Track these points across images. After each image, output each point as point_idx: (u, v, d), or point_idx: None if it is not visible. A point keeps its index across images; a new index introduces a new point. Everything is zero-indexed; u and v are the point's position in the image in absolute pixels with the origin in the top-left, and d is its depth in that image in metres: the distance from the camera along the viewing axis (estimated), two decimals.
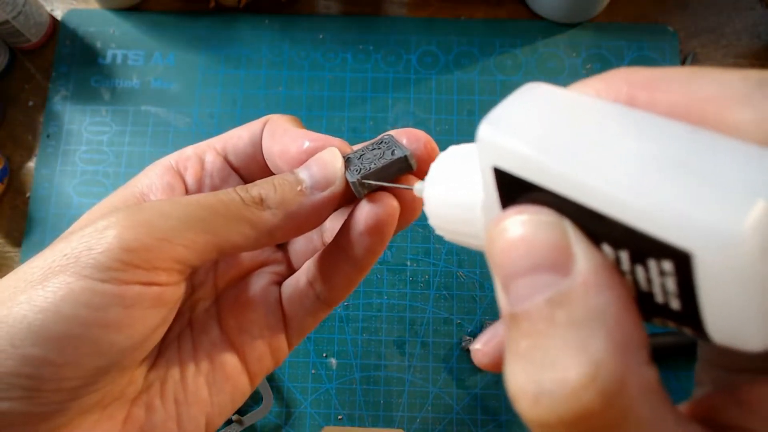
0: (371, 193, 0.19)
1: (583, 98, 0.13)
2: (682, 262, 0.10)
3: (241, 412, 0.43)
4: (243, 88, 0.52)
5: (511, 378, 0.11)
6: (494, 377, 0.45)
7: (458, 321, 0.47)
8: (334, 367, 0.46)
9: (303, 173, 0.19)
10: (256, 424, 0.44)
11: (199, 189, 0.21)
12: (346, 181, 0.19)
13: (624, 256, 0.11)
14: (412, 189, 0.19)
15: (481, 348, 0.16)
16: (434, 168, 0.17)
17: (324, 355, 0.46)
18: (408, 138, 0.20)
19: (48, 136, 0.51)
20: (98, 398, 0.17)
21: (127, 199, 0.20)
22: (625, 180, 0.10)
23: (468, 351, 0.45)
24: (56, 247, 0.17)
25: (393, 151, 0.19)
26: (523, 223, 0.11)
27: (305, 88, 0.52)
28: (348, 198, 0.21)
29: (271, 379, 0.45)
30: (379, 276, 0.48)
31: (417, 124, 0.51)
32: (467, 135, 0.51)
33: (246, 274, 0.23)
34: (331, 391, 0.45)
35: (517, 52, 0.53)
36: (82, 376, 0.16)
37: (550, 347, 0.10)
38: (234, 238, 0.18)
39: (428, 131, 0.53)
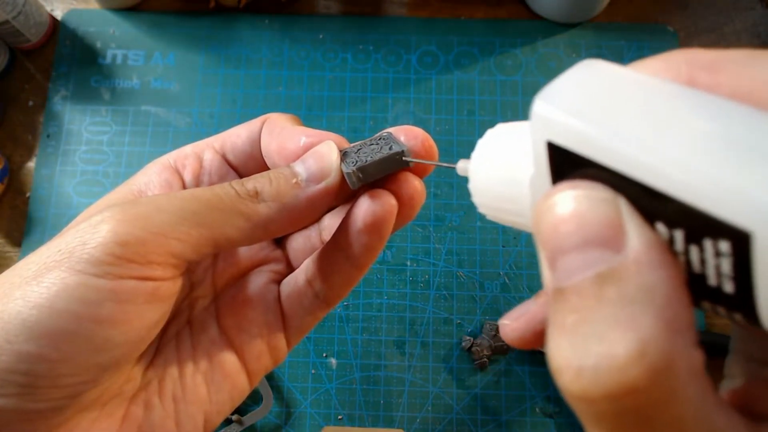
0: (369, 190, 0.19)
1: (641, 76, 0.12)
2: (741, 242, 0.09)
3: (241, 412, 0.43)
4: (243, 88, 0.52)
5: (556, 352, 0.10)
6: (494, 377, 0.45)
7: (458, 321, 0.47)
8: (334, 367, 0.46)
9: (298, 166, 0.19)
10: (256, 424, 0.44)
11: (197, 186, 0.21)
12: (343, 176, 0.19)
13: (678, 235, 0.10)
14: (455, 167, 0.18)
15: (510, 323, 0.16)
16: (481, 145, 0.17)
17: (324, 355, 0.46)
18: (406, 135, 0.20)
19: (48, 136, 0.51)
20: (96, 395, 0.17)
21: (125, 196, 0.20)
22: (684, 157, 0.10)
23: (468, 351, 0.45)
24: (52, 243, 0.16)
25: (391, 146, 0.19)
26: (575, 198, 0.11)
27: (305, 88, 0.52)
28: (346, 195, 0.21)
29: (271, 379, 0.45)
30: (379, 276, 0.48)
31: (417, 124, 0.51)
32: (467, 135, 0.51)
33: (245, 273, 0.23)
34: (331, 391, 0.45)
35: (517, 52, 0.53)
36: (78, 372, 0.16)
37: (599, 322, 0.10)
38: (229, 231, 0.18)
39: (428, 131, 0.53)
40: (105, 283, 0.16)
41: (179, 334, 0.21)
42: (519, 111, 0.51)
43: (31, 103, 0.52)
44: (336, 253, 0.21)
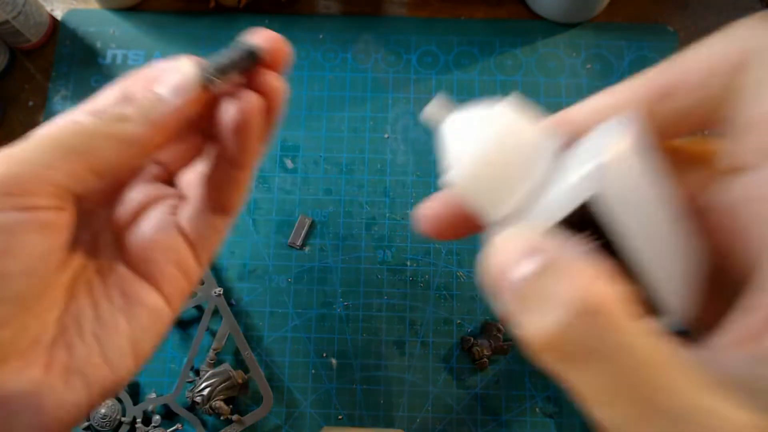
0: (231, 93, 0.21)
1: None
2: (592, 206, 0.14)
3: (241, 412, 0.43)
4: None
5: (522, 328, 0.14)
6: (494, 377, 0.45)
7: (458, 321, 0.47)
8: (334, 367, 0.46)
9: (158, 86, 0.20)
10: (256, 424, 0.44)
11: None
12: (204, 85, 0.20)
13: (582, 235, 0.15)
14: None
15: (426, 210, 0.20)
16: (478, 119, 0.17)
17: (324, 355, 0.46)
18: (254, 36, 0.22)
19: None
20: (9, 340, 0.18)
21: None
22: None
23: (468, 351, 0.45)
24: None
25: (242, 48, 0.21)
26: (506, 241, 0.15)
27: (305, 88, 0.52)
28: (216, 108, 0.22)
29: (271, 379, 0.45)
30: (379, 276, 0.48)
31: (417, 124, 0.51)
32: None
33: (142, 212, 0.24)
34: (331, 391, 0.45)
35: (517, 52, 0.53)
36: None
37: (544, 297, 0.13)
38: (104, 154, 0.19)
39: (428, 131, 0.53)
40: None
41: (89, 281, 0.22)
42: None
43: (31, 103, 0.52)
44: (218, 161, 0.22)
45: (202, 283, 0.45)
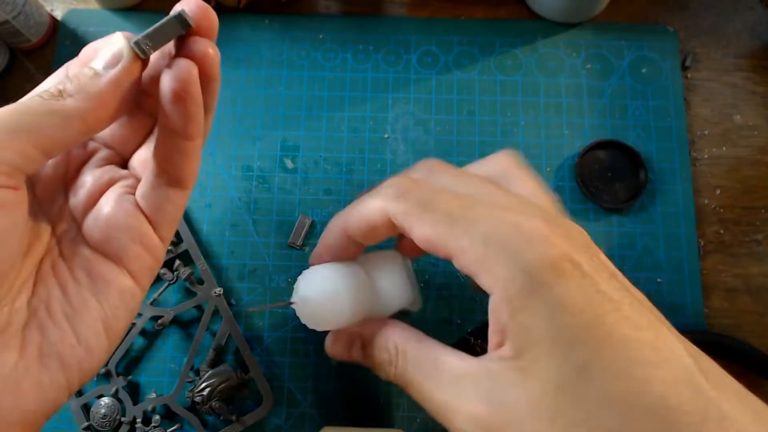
0: (167, 65, 0.21)
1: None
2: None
3: (241, 412, 0.43)
4: (243, 88, 0.52)
5: (380, 374, 0.27)
6: None
7: (458, 321, 0.47)
8: (335, 367, 0.46)
9: (94, 62, 0.21)
10: (256, 424, 0.44)
11: None
12: (137, 56, 0.21)
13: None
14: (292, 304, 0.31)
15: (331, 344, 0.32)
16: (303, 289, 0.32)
17: (324, 355, 0.46)
18: (181, 3, 0.22)
19: None
20: None
21: None
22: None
23: (468, 351, 0.45)
24: None
25: (175, 17, 0.21)
26: (330, 345, 0.32)
27: (305, 88, 0.52)
28: (154, 89, 0.23)
29: (271, 379, 0.45)
30: None
31: (417, 124, 0.51)
32: (467, 135, 0.51)
33: (98, 197, 0.24)
34: (331, 391, 0.45)
35: (517, 52, 0.53)
36: None
37: (375, 361, 0.28)
38: (49, 132, 0.19)
39: (428, 131, 0.53)
40: None
41: (54, 265, 0.23)
42: (519, 111, 0.51)
43: None
44: (164, 135, 0.23)
45: (202, 283, 0.45)
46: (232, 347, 0.45)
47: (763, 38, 0.54)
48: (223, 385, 0.42)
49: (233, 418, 0.42)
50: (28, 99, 0.20)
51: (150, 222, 0.24)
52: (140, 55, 0.21)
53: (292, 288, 0.31)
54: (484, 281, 0.22)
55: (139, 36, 0.21)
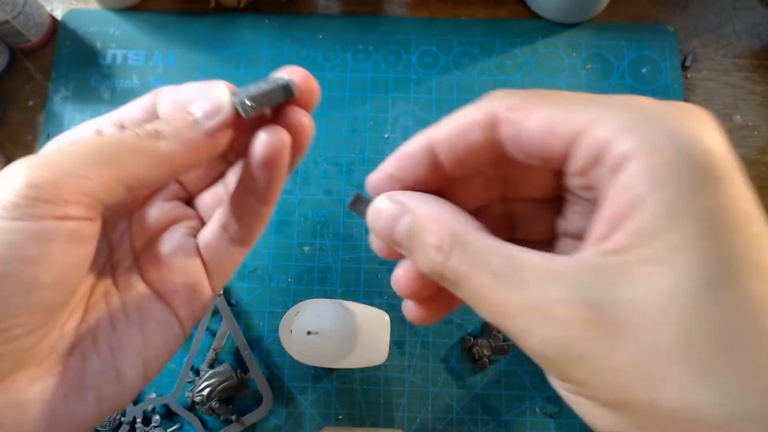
0: (263, 128, 0.21)
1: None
2: None
3: (241, 412, 0.43)
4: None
5: (422, 267, 0.19)
6: (494, 377, 0.45)
7: (458, 321, 0.47)
8: (335, 367, 0.46)
9: (194, 107, 0.21)
10: (256, 424, 0.44)
11: None
12: (237, 112, 0.21)
13: None
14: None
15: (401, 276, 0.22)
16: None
17: None
18: (288, 72, 0.22)
19: (48, 136, 0.51)
20: (31, 346, 0.18)
21: None
22: None
23: (468, 351, 0.45)
24: None
25: (277, 83, 0.21)
26: (378, 206, 0.20)
27: None
28: (243, 142, 0.23)
29: (271, 379, 0.45)
30: (379, 276, 0.48)
31: (417, 124, 0.51)
32: None
33: (160, 232, 0.24)
34: (331, 391, 0.45)
35: (517, 52, 0.53)
36: (11, 314, 0.17)
37: (422, 245, 0.18)
38: (134, 169, 0.19)
39: None
40: (25, 224, 0.17)
41: (107, 293, 0.22)
42: None
43: (31, 103, 0.52)
44: (242, 193, 0.23)
45: None
46: (232, 347, 0.45)
47: (763, 38, 0.54)
48: (222, 385, 0.42)
49: (233, 418, 0.42)
50: (122, 132, 0.20)
51: (206, 270, 0.24)
52: (241, 113, 0.21)
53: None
54: (622, 148, 0.15)
55: (241, 91, 0.21)
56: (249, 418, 0.43)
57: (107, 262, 0.23)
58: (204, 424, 0.43)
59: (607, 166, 0.16)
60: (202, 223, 0.25)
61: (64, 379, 0.19)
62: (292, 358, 0.43)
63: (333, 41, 0.53)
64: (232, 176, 0.25)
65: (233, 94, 0.21)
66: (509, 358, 0.46)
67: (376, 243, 0.22)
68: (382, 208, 0.20)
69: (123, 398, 0.21)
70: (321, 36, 0.53)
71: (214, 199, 0.25)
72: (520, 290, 0.16)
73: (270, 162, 0.21)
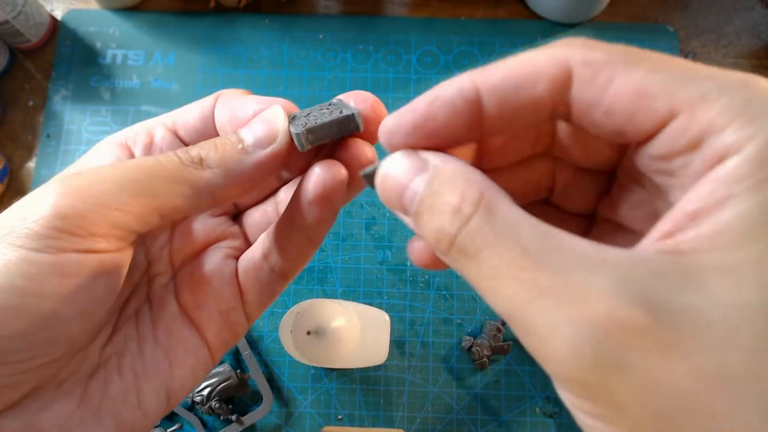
0: (319, 161, 0.19)
1: None
2: None
3: (241, 412, 0.43)
4: (243, 87, 0.52)
5: (427, 230, 0.15)
6: (494, 377, 0.45)
7: (458, 321, 0.47)
8: (335, 367, 0.46)
9: (245, 132, 0.19)
10: (256, 424, 0.44)
11: None
12: (292, 140, 0.19)
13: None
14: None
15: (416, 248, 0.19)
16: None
17: None
18: (355, 99, 0.20)
19: (48, 136, 0.51)
20: (51, 373, 0.17)
21: None
22: None
23: (468, 351, 0.45)
24: None
25: (341, 111, 0.19)
26: (392, 163, 0.16)
27: (305, 88, 0.52)
28: (299, 165, 0.21)
29: (271, 379, 0.45)
30: (379, 276, 0.48)
31: None
32: None
33: (202, 249, 0.23)
34: (331, 391, 0.45)
35: (517, 52, 0.53)
36: (28, 348, 0.16)
37: (438, 204, 0.15)
38: (173, 200, 0.17)
39: None
40: (46, 257, 0.15)
41: (139, 311, 0.21)
42: None
43: (31, 103, 0.52)
44: (289, 226, 0.21)
45: None
46: (232, 347, 0.45)
47: (763, 38, 0.54)
48: (222, 385, 0.42)
49: (233, 418, 0.42)
50: (164, 156, 0.18)
51: (242, 297, 0.22)
52: (297, 147, 0.19)
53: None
54: (730, 139, 0.12)
55: (301, 115, 0.19)
56: (249, 418, 0.43)
57: (144, 276, 0.21)
58: (204, 424, 0.43)
59: (704, 156, 0.13)
60: (246, 242, 0.23)
61: (84, 402, 0.18)
62: (292, 358, 0.43)
63: (333, 41, 0.53)
64: (284, 193, 0.23)
65: (291, 118, 0.19)
66: (509, 358, 0.46)
67: (416, 249, 0.18)
68: (397, 163, 0.16)
69: (143, 426, 0.19)
70: (321, 36, 0.53)
71: (263, 218, 0.24)
72: (554, 273, 0.13)
73: (322, 200, 0.19)
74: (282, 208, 0.23)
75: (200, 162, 0.18)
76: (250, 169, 0.18)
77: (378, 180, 0.17)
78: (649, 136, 0.14)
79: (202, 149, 0.18)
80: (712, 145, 0.13)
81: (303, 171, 0.22)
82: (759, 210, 0.12)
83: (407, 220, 0.16)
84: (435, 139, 0.16)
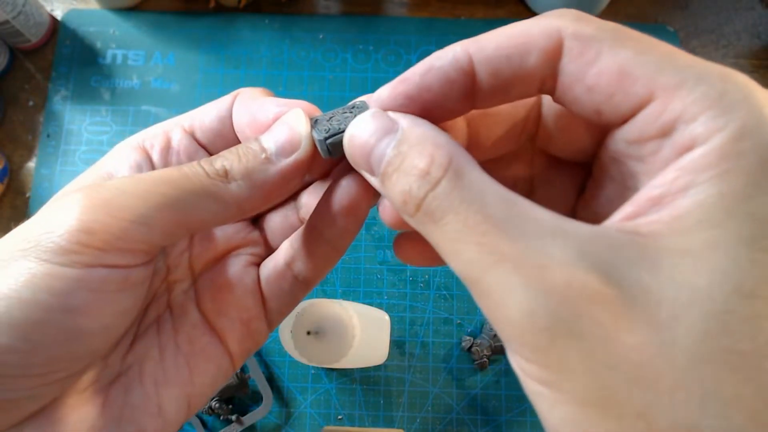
0: (346, 172, 0.19)
1: None
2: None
3: (241, 412, 0.43)
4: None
5: (394, 192, 0.15)
6: (494, 377, 0.45)
7: (458, 321, 0.47)
8: (335, 367, 0.46)
9: (267, 140, 0.18)
10: (256, 424, 0.44)
11: (165, 166, 0.21)
12: (315, 145, 0.18)
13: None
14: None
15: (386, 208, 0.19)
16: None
17: None
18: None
19: (48, 136, 0.51)
20: (73, 382, 0.17)
21: (94, 181, 0.20)
22: None
23: (468, 351, 0.45)
24: (19, 230, 0.16)
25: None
26: (360, 123, 0.16)
27: (305, 88, 0.52)
28: (321, 169, 0.21)
29: (271, 379, 0.45)
30: (379, 276, 0.48)
31: None
32: None
33: (222, 256, 0.22)
34: (331, 391, 0.45)
35: None
36: (51, 362, 0.16)
37: (406, 167, 0.15)
38: (200, 214, 0.17)
39: None
40: (73, 272, 0.15)
41: (159, 318, 0.21)
42: None
43: (31, 103, 0.52)
44: (314, 234, 0.20)
45: None
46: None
47: (763, 38, 0.54)
48: (223, 385, 0.42)
49: (233, 418, 0.42)
50: (189, 168, 0.17)
51: (264, 305, 0.22)
52: (321, 154, 0.18)
53: None
54: (700, 129, 0.13)
55: (323, 120, 0.18)
56: (249, 418, 0.43)
57: (163, 282, 0.21)
58: (204, 424, 0.43)
59: (673, 143, 0.13)
60: (267, 247, 0.23)
61: (105, 410, 0.18)
62: (292, 358, 0.43)
63: (333, 41, 0.53)
64: (306, 197, 0.23)
65: (314, 122, 0.18)
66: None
67: (387, 208, 0.19)
68: (366, 123, 0.16)
69: None
70: (321, 36, 0.53)
71: (284, 222, 0.23)
72: (515, 240, 0.13)
73: (349, 212, 0.19)
74: (303, 211, 0.23)
75: (225, 175, 0.18)
76: (275, 179, 0.18)
77: (346, 139, 0.17)
78: (625, 119, 0.14)
79: (226, 160, 0.18)
80: (682, 133, 0.13)
81: (325, 173, 0.22)
82: (719, 199, 0.12)
83: (373, 181, 0.16)
84: (428, 111, 0.17)
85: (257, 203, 0.18)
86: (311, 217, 0.20)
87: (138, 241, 0.16)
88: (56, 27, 0.54)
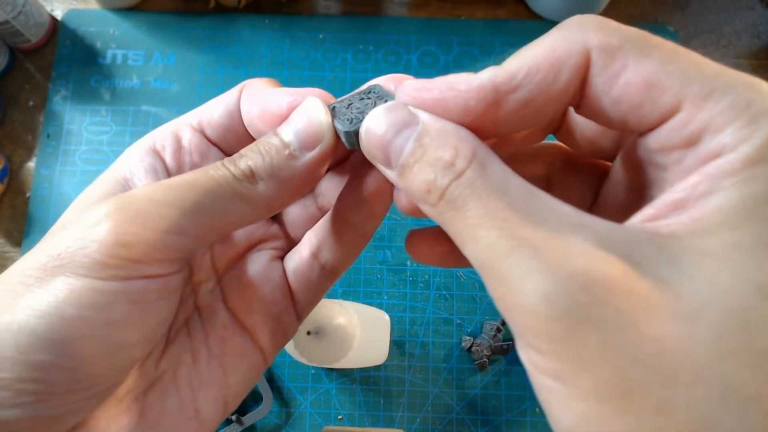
0: (365, 158, 0.18)
1: None
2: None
3: (241, 412, 0.43)
4: None
5: (414, 183, 0.15)
6: (494, 377, 0.45)
7: (458, 321, 0.47)
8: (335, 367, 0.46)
9: (288, 133, 0.18)
10: (256, 424, 0.44)
11: (179, 168, 0.20)
12: (337, 134, 0.18)
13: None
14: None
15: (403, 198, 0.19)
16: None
17: None
18: (396, 84, 0.18)
19: (48, 136, 0.51)
20: (112, 392, 0.17)
21: (112, 186, 0.20)
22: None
23: (468, 351, 0.45)
24: (49, 245, 0.16)
25: (385, 99, 0.18)
26: (378, 116, 0.16)
27: None
28: (339, 155, 0.20)
29: (271, 379, 0.45)
30: (379, 276, 0.48)
31: None
32: None
33: (244, 253, 0.22)
34: (331, 391, 0.45)
35: None
36: (94, 375, 0.16)
37: (429, 158, 0.15)
38: (231, 217, 0.17)
39: None
40: (114, 285, 0.15)
41: (188, 320, 0.21)
42: None
43: (31, 103, 0.52)
44: (339, 222, 0.20)
45: None
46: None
47: (763, 38, 0.54)
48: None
49: (233, 418, 0.42)
50: (216, 171, 0.17)
51: (293, 298, 0.22)
52: (346, 146, 0.18)
53: None
54: (726, 140, 0.13)
55: (341, 106, 0.18)
56: (249, 418, 0.43)
57: (188, 284, 0.21)
58: None
59: (698, 153, 0.13)
60: (288, 240, 0.23)
61: (143, 418, 0.18)
62: (292, 358, 0.43)
63: (333, 41, 0.53)
64: (324, 184, 0.23)
65: (332, 110, 0.18)
66: (509, 358, 0.46)
67: (403, 196, 0.18)
68: (385, 115, 0.16)
69: None
70: (321, 36, 0.53)
71: (303, 213, 0.23)
72: (536, 227, 0.13)
73: (376, 197, 0.19)
74: (320, 200, 0.23)
75: (252, 175, 0.17)
76: (301, 175, 0.18)
77: (363, 131, 0.17)
78: (651, 129, 0.14)
79: (250, 159, 0.17)
80: (709, 143, 0.13)
81: (342, 160, 0.22)
82: (740, 202, 0.12)
83: (388, 173, 0.16)
84: (452, 116, 0.16)
85: (286, 200, 0.18)
86: (336, 204, 0.20)
87: (174, 250, 0.16)
88: (56, 27, 0.54)
